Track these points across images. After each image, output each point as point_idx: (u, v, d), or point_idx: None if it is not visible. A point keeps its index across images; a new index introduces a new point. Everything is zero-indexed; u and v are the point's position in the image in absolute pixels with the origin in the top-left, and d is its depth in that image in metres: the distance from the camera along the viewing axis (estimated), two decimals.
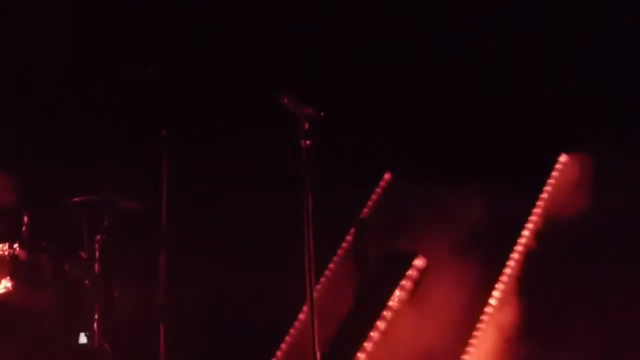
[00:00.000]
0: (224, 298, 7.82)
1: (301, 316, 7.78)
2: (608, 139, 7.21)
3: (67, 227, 7.04)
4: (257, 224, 7.84)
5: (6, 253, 6.63)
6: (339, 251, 8.18)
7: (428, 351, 7.00)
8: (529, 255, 7.33)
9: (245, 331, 7.71)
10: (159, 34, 8.02)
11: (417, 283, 7.60)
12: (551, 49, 7.64)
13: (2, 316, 6.46)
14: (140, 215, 7.27)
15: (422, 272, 7.64)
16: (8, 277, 6.54)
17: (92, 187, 6.95)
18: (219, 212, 7.87)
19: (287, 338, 7.82)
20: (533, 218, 7.47)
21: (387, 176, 8.41)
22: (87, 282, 6.81)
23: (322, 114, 5.34)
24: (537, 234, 7.40)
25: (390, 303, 7.50)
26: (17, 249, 6.64)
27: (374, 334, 7.37)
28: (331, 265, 8.11)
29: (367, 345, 7.33)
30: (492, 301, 7.13)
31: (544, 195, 7.56)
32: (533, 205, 7.52)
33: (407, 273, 7.63)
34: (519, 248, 7.36)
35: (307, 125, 5.32)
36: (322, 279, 7.98)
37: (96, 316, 6.76)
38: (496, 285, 7.19)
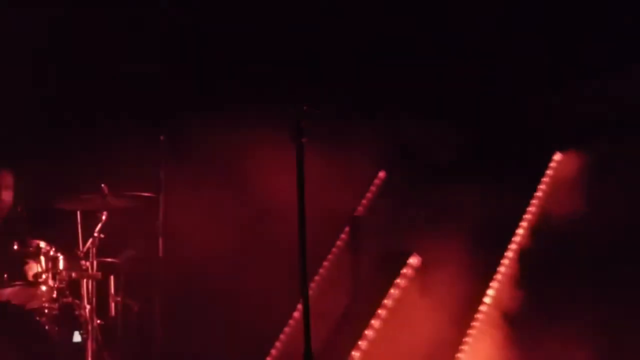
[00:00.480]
0: (218, 297, 7.81)
1: (296, 314, 7.79)
2: (602, 138, 7.22)
3: (64, 226, 7.04)
4: (252, 222, 7.84)
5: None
6: (334, 249, 8.19)
7: (423, 349, 7.00)
8: (524, 253, 7.34)
9: (240, 330, 7.71)
10: (158, 33, 8.02)
11: (412, 281, 7.61)
12: (549, 48, 7.65)
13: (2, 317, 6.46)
14: (137, 213, 7.28)
15: (417, 270, 7.64)
16: None
17: (90, 187, 6.94)
18: (213, 210, 7.86)
19: (282, 336, 7.83)
20: (528, 216, 7.49)
21: (381, 174, 8.42)
22: (83, 282, 6.80)
23: (317, 111, 5.34)
24: (532, 232, 7.41)
25: (385, 301, 7.51)
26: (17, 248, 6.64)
27: (368, 333, 7.38)
28: (326, 264, 8.11)
29: (362, 343, 7.34)
30: (486, 299, 7.14)
31: (539, 194, 7.58)
32: (528, 204, 7.54)
33: (402, 271, 7.63)
34: (513, 246, 7.37)
35: (302, 123, 5.32)
36: (317, 278, 7.99)
37: (90, 315, 6.75)
38: (491, 284, 7.20)
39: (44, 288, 6.65)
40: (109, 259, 7.15)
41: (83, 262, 6.82)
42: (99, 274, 6.87)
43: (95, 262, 6.86)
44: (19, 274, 6.60)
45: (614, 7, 7.42)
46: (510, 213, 7.48)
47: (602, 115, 7.36)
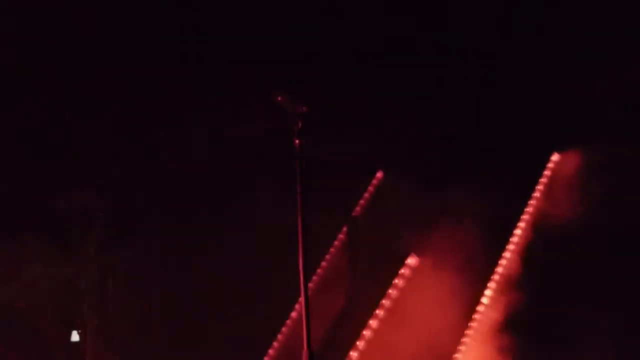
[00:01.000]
0: (216, 297, 7.81)
1: (293, 314, 7.79)
2: (600, 139, 7.23)
3: (65, 226, 7.04)
4: (250, 223, 7.83)
5: None
6: (332, 249, 8.18)
7: (421, 349, 7.00)
8: (522, 254, 7.34)
9: (238, 329, 7.71)
10: (157, 31, 8.00)
11: (409, 281, 7.61)
12: (548, 49, 7.65)
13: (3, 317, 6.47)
14: (135, 216, 7.28)
15: (415, 270, 7.64)
16: None
17: (91, 188, 6.94)
18: (211, 211, 7.86)
19: (280, 336, 7.83)
20: (525, 217, 7.49)
21: (379, 175, 8.41)
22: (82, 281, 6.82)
23: (316, 113, 5.33)
24: (530, 232, 7.41)
25: (383, 301, 7.51)
26: None
27: (366, 333, 7.38)
28: (324, 264, 8.11)
29: (360, 343, 7.34)
30: (484, 300, 7.14)
31: (537, 194, 7.58)
32: (526, 204, 7.54)
33: (399, 272, 7.63)
34: (511, 247, 7.37)
35: (300, 124, 5.31)
36: (315, 277, 7.99)
37: (88, 315, 6.76)
38: (488, 284, 7.20)
39: (42, 287, 6.64)
40: (107, 259, 7.15)
41: (82, 261, 6.83)
42: (97, 273, 6.88)
43: (93, 262, 6.87)
44: (17, 273, 6.60)
45: (611, 8, 7.44)
46: (508, 213, 7.48)
47: (600, 115, 7.37)
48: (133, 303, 7.42)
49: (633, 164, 7.12)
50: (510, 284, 7.20)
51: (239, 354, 7.73)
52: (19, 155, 7.71)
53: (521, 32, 7.65)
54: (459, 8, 7.77)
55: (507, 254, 7.36)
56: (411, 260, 7.67)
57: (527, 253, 7.36)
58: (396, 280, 7.59)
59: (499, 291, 7.19)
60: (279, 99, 5.26)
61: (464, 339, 6.99)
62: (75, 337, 6.73)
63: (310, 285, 7.63)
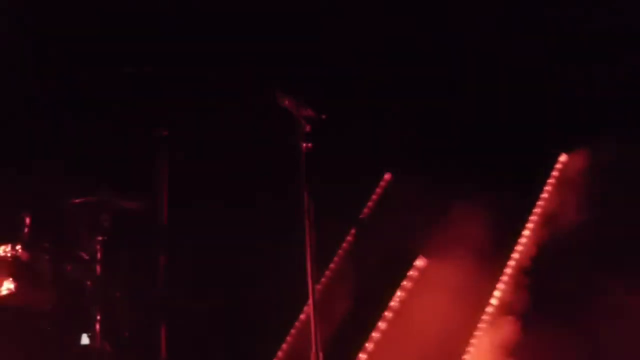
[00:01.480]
0: (224, 298, 7.82)
1: (302, 316, 7.79)
2: (608, 139, 7.21)
3: (68, 228, 7.04)
4: (257, 224, 7.83)
5: (8, 255, 6.64)
6: (340, 251, 8.19)
7: (429, 351, 7.00)
8: (530, 256, 7.34)
9: (246, 331, 7.72)
10: (157, 31, 8.01)
11: (418, 283, 7.61)
12: (552, 48, 7.64)
13: (4, 317, 6.46)
14: (139, 216, 7.28)
15: (423, 272, 7.64)
16: (11, 279, 6.54)
17: (92, 188, 6.95)
18: (219, 212, 7.87)
19: (288, 338, 7.84)
20: (534, 218, 7.48)
21: (387, 176, 8.41)
22: (88, 283, 6.81)
23: (323, 116, 5.34)
24: (538, 234, 7.41)
25: (392, 303, 7.51)
26: (19, 250, 6.65)
27: (375, 335, 7.39)
28: (332, 266, 8.12)
29: (369, 345, 7.35)
30: (492, 301, 7.14)
31: (544, 195, 7.57)
32: (533, 205, 7.53)
33: (408, 273, 7.64)
34: (519, 248, 7.37)
35: (307, 128, 5.33)
36: (323, 279, 7.99)
37: (98, 317, 6.76)
38: (497, 285, 7.20)
39: (49, 290, 6.65)
40: (114, 261, 7.15)
41: (88, 264, 6.84)
42: (105, 276, 6.89)
43: (100, 264, 6.87)
44: (24, 275, 6.61)
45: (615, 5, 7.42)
46: (516, 215, 7.48)
47: (608, 115, 7.35)
48: (142, 305, 7.43)
49: None
50: (518, 286, 7.19)
51: (248, 358, 7.75)
52: (27, 153, 7.75)
53: (526, 31, 7.64)
54: (460, 8, 7.76)
55: (515, 256, 7.36)
56: (419, 262, 7.67)
57: (536, 255, 7.36)
58: (404, 282, 7.59)
59: (508, 293, 7.19)
60: (286, 102, 5.28)
61: (473, 341, 6.99)
62: (85, 340, 6.73)
63: (318, 287, 7.64)
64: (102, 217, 6.90)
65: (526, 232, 7.42)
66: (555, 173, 7.65)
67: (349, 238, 8.20)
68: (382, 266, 7.86)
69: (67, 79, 8.05)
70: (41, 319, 6.56)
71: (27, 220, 6.86)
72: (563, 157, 7.69)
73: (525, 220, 7.48)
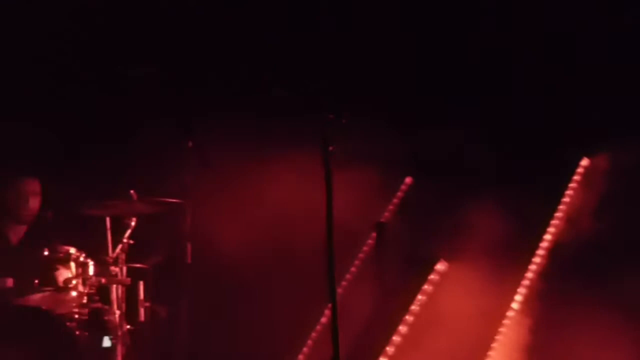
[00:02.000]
0: (245, 302, 7.84)
1: (323, 320, 7.80)
2: (630, 142, 7.19)
3: (92, 232, 7.09)
4: (279, 227, 7.84)
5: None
6: (361, 255, 8.20)
7: (450, 355, 7.01)
8: (551, 260, 7.33)
9: (267, 335, 7.73)
10: (176, 33, 8.04)
11: (439, 287, 7.61)
12: (574, 49, 7.62)
13: (28, 319, 6.51)
14: (162, 221, 7.32)
15: (444, 276, 7.65)
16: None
17: (116, 193, 6.99)
18: (240, 216, 7.89)
19: (309, 342, 7.85)
20: (555, 222, 7.47)
21: (408, 180, 8.42)
22: (112, 287, 6.85)
23: (344, 120, 5.36)
24: (559, 239, 7.39)
25: (413, 307, 7.52)
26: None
27: (396, 338, 7.39)
28: (353, 269, 8.13)
29: (389, 349, 7.35)
30: (514, 305, 7.13)
31: (566, 200, 7.56)
32: (555, 210, 7.52)
33: (429, 277, 7.64)
34: (540, 252, 7.36)
35: (330, 131, 5.34)
36: (344, 283, 8.00)
37: (119, 320, 6.80)
38: (518, 290, 7.19)
39: (73, 294, 6.70)
40: (138, 265, 7.19)
41: (112, 267, 6.87)
42: (128, 279, 6.93)
43: (124, 268, 6.91)
44: (49, 279, 6.65)
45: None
46: (537, 219, 7.46)
47: (631, 117, 7.32)
48: (163, 310, 7.46)
49: None
50: (540, 290, 7.19)
51: None
52: (52, 160, 7.80)
53: (549, 33, 7.62)
54: (490, 10, 7.75)
55: (537, 260, 7.35)
56: (440, 266, 7.67)
57: (558, 259, 7.34)
58: (425, 286, 7.60)
59: (530, 297, 7.18)
60: (308, 104, 5.30)
61: (494, 345, 6.98)
62: (107, 342, 6.76)
63: (340, 290, 7.66)
64: (128, 222, 6.94)
65: (548, 237, 7.41)
66: (577, 177, 7.63)
67: (370, 242, 8.21)
68: (403, 270, 7.86)
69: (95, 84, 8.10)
70: (65, 321, 6.60)
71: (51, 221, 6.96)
72: (585, 161, 7.67)
73: (547, 224, 7.47)
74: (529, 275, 7.24)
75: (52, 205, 7.23)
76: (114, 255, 6.89)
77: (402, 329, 7.41)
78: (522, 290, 7.17)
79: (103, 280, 6.81)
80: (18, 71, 7.83)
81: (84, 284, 6.72)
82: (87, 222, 7.11)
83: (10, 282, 6.56)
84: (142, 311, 7.14)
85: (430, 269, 7.65)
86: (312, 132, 5.42)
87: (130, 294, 7.04)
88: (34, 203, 7.05)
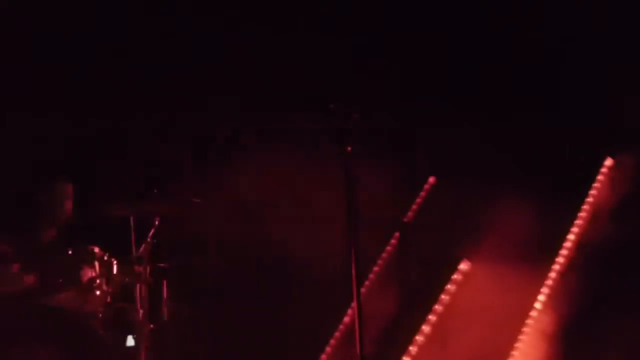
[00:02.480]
0: (268, 302, 7.86)
1: (346, 319, 7.81)
2: None
3: (117, 231, 7.11)
4: (301, 227, 7.85)
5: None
6: (384, 254, 8.20)
7: (473, 355, 6.99)
8: (574, 260, 7.30)
9: (290, 335, 7.74)
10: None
11: (462, 287, 7.60)
12: (597, 48, 7.58)
13: (52, 318, 6.55)
14: (185, 223, 7.35)
15: (468, 275, 7.64)
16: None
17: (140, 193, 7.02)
18: (263, 216, 7.90)
19: (332, 341, 7.86)
20: (578, 222, 7.45)
21: (431, 180, 8.41)
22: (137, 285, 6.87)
23: (366, 118, 5.37)
24: (582, 239, 7.37)
25: (436, 307, 7.51)
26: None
27: (419, 338, 7.39)
28: (376, 269, 8.13)
29: (413, 349, 7.35)
30: (537, 305, 7.11)
31: (590, 200, 7.53)
32: (578, 210, 7.49)
33: (452, 277, 7.63)
34: (564, 252, 7.34)
35: (350, 130, 5.35)
36: (367, 282, 8.01)
37: (143, 320, 6.82)
38: (541, 290, 7.17)
39: (97, 293, 6.72)
40: (162, 265, 7.21)
41: (136, 267, 6.89)
42: (152, 279, 6.95)
43: (148, 267, 6.93)
44: (73, 279, 6.68)
45: None
46: (560, 219, 7.44)
47: None
48: (187, 309, 7.49)
49: None
50: (563, 290, 7.16)
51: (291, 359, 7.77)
52: (74, 159, 7.84)
53: (576, 31, 7.58)
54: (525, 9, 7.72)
55: (560, 260, 7.32)
56: (464, 266, 7.66)
57: (581, 258, 7.32)
58: (449, 286, 7.59)
59: (552, 297, 7.16)
60: (332, 105, 5.31)
61: (517, 344, 6.97)
62: (130, 341, 6.79)
63: (363, 290, 7.67)
64: (152, 221, 6.96)
65: (571, 236, 7.38)
66: (600, 177, 7.60)
67: (393, 241, 8.21)
68: (427, 269, 7.86)
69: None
70: (89, 320, 6.63)
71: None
72: (609, 161, 7.64)
73: (571, 224, 7.44)
74: (552, 274, 7.22)
75: (78, 204, 7.26)
76: (138, 254, 6.91)
77: (426, 328, 7.40)
78: (545, 290, 7.15)
79: (127, 280, 6.83)
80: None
81: (107, 283, 6.75)
82: (112, 222, 7.13)
83: (34, 280, 6.59)
84: (165, 310, 7.16)
85: (453, 268, 7.65)
86: (334, 132, 5.42)
87: (153, 293, 7.06)
88: (68, 205, 7.09)
